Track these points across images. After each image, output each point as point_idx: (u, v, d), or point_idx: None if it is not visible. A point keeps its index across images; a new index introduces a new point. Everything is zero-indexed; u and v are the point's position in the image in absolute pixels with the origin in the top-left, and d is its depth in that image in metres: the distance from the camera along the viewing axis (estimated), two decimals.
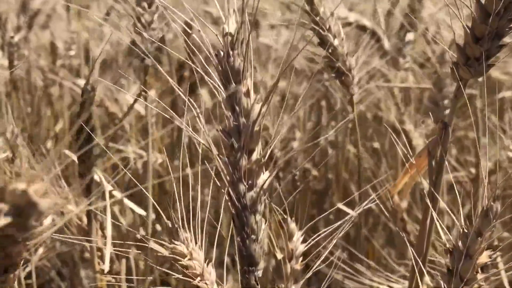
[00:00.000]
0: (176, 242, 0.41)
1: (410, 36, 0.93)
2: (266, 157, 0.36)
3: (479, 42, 0.45)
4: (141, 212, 0.91)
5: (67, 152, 0.90)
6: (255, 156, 0.36)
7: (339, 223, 0.54)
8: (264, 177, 0.36)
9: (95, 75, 1.20)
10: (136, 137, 1.14)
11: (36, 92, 1.32)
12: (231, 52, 0.34)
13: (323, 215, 0.55)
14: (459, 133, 1.05)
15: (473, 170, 0.94)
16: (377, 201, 0.75)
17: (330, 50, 0.61)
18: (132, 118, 1.14)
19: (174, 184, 0.41)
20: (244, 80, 0.34)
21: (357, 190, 0.80)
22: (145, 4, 0.77)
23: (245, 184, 0.35)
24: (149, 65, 0.79)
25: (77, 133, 0.73)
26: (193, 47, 0.36)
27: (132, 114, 1.14)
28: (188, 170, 0.45)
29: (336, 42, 0.62)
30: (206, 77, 0.35)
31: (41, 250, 1.03)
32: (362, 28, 0.93)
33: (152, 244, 0.41)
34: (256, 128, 0.35)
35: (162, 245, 0.41)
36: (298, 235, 0.51)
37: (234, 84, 0.34)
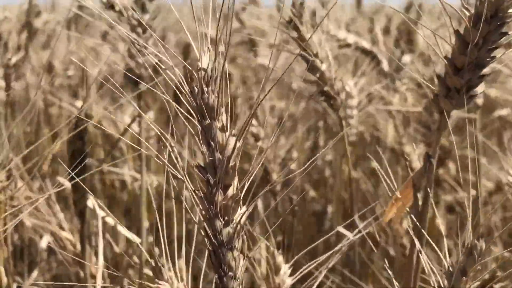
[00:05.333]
0: (160, 282, 0.40)
1: (406, 58, 0.93)
2: (243, 192, 0.35)
3: (459, 74, 0.44)
4: (135, 238, 0.90)
5: (60, 179, 0.89)
6: (231, 191, 0.35)
7: (328, 253, 0.53)
8: (241, 212, 0.36)
9: (92, 96, 1.20)
10: (133, 159, 1.14)
11: (35, 112, 1.32)
12: (205, 89, 0.33)
13: (312, 245, 0.54)
14: (459, 152, 1.04)
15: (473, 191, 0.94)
16: (374, 224, 0.74)
17: (318, 75, 0.62)
18: (129, 139, 1.14)
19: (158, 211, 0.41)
20: (219, 116, 0.34)
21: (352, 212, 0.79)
22: (139, 30, 0.77)
23: (221, 220, 0.35)
24: (141, 90, 0.79)
25: (70, 160, 0.72)
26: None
27: (129, 135, 1.13)
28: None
29: (324, 67, 0.63)
30: (184, 113, 0.35)
31: (35, 273, 1.03)
32: (362, 50, 0.94)
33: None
34: (232, 163, 0.35)
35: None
36: (285, 268, 0.50)
37: (209, 120, 0.34)
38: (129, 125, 0.95)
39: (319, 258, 0.50)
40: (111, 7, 0.82)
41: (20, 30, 1.33)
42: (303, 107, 1.09)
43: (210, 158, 0.34)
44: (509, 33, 0.42)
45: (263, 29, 1.13)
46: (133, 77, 0.76)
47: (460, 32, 0.43)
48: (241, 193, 0.35)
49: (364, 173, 1.07)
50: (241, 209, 0.36)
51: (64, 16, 1.45)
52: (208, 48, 0.33)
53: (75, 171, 0.70)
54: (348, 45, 0.91)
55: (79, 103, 1.22)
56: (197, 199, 0.35)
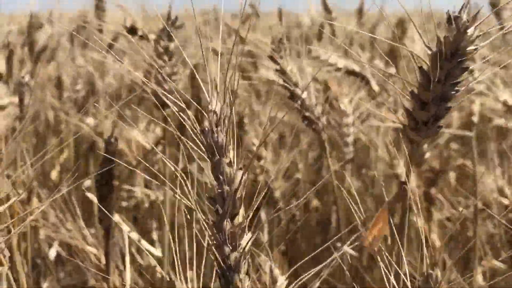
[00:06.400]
0: None
1: (391, 70, 0.97)
2: (248, 220, 0.39)
3: (426, 108, 0.47)
4: (158, 253, 0.92)
5: (89, 195, 0.92)
6: (238, 219, 0.39)
7: (321, 265, 0.56)
8: (247, 238, 0.39)
9: (101, 110, 1.23)
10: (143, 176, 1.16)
11: (45, 126, 1.35)
12: (215, 129, 0.37)
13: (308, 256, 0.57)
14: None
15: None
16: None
17: (299, 102, 0.69)
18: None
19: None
20: (227, 153, 0.38)
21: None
22: (166, 57, 0.79)
23: (229, 246, 0.39)
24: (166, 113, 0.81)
25: (98, 182, 0.74)
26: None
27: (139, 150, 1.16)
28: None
29: (304, 95, 0.70)
30: (195, 148, 0.38)
31: (45, 286, 1.06)
32: (351, 73, 0.99)
33: None
34: (238, 195, 0.39)
35: None
36: (281, 280, 0.53)
37: (218, 156, 0.38)
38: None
39: (312, 270, 0.52)
40: (132, 31, 0.84)
41: (23, 44, 1.36)
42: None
43: (219, 191, 0.38)
44: (470, 67, 0.45)
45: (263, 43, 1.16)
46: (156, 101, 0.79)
47: (423, 69, 0.46)
48: (247, 221, 0.39)
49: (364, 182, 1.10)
50: (247, 235, 0.40)
51: (68, 27, 1.48)
52: (217, 92, 0.37)
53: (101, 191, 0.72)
54: (338, 69, 0.97)
55: (89, 120, 1.25)
56: (207, 227, 0.38)
